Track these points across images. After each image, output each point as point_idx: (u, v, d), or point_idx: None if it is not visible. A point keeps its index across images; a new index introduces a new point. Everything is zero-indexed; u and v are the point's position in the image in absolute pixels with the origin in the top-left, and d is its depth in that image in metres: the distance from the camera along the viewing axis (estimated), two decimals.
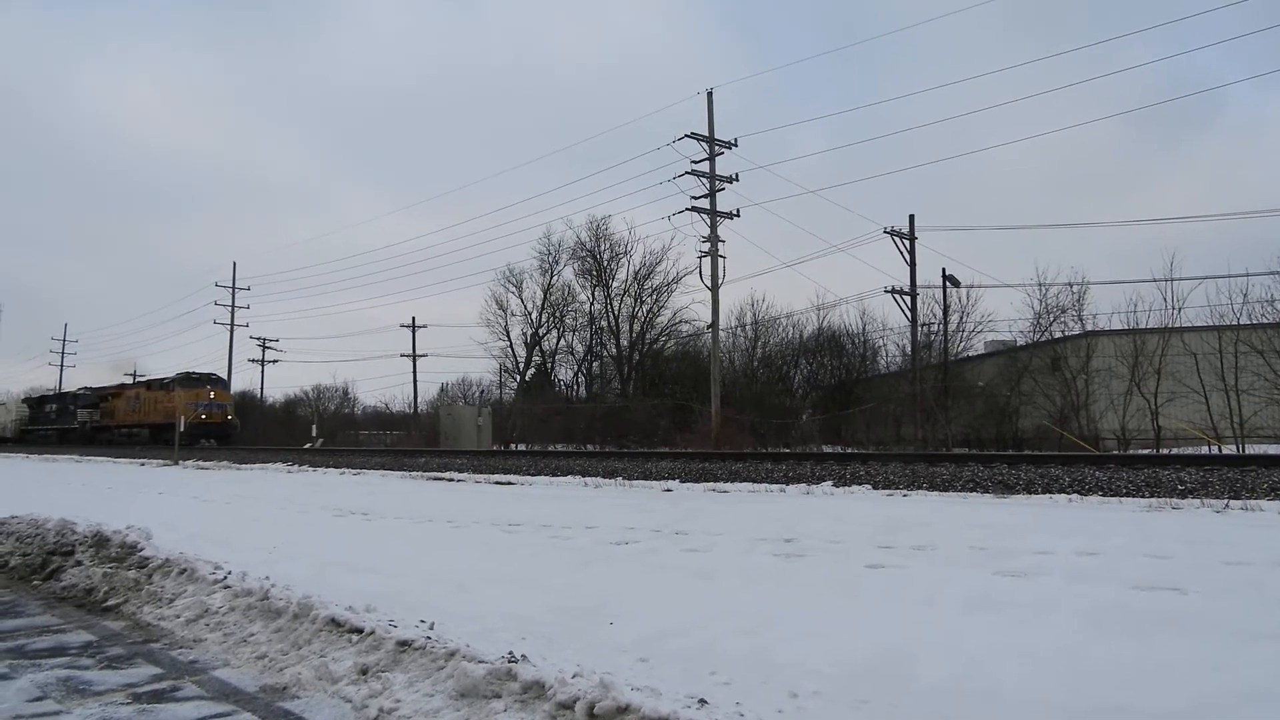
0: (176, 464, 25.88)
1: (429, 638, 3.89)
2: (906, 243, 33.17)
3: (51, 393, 65.74)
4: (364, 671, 3.71)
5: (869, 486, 11.25)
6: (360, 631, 4.10)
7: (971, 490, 10.65)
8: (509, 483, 14.61)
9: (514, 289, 52.63)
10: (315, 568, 6.04)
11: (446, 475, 16.74)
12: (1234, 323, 27.00)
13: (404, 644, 3.85)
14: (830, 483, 11.68)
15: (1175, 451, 21.63)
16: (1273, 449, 21.92)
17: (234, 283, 57.50)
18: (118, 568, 6.25)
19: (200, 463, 25.52)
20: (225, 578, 5.43)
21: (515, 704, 3.19)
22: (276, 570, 5.65)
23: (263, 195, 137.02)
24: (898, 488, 11.09)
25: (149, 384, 46.60)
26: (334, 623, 4.28)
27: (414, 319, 54.44)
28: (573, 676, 3.24)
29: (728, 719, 2.89)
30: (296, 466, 21.43)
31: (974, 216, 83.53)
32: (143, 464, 26.91)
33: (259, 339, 59.18)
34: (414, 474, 17.72)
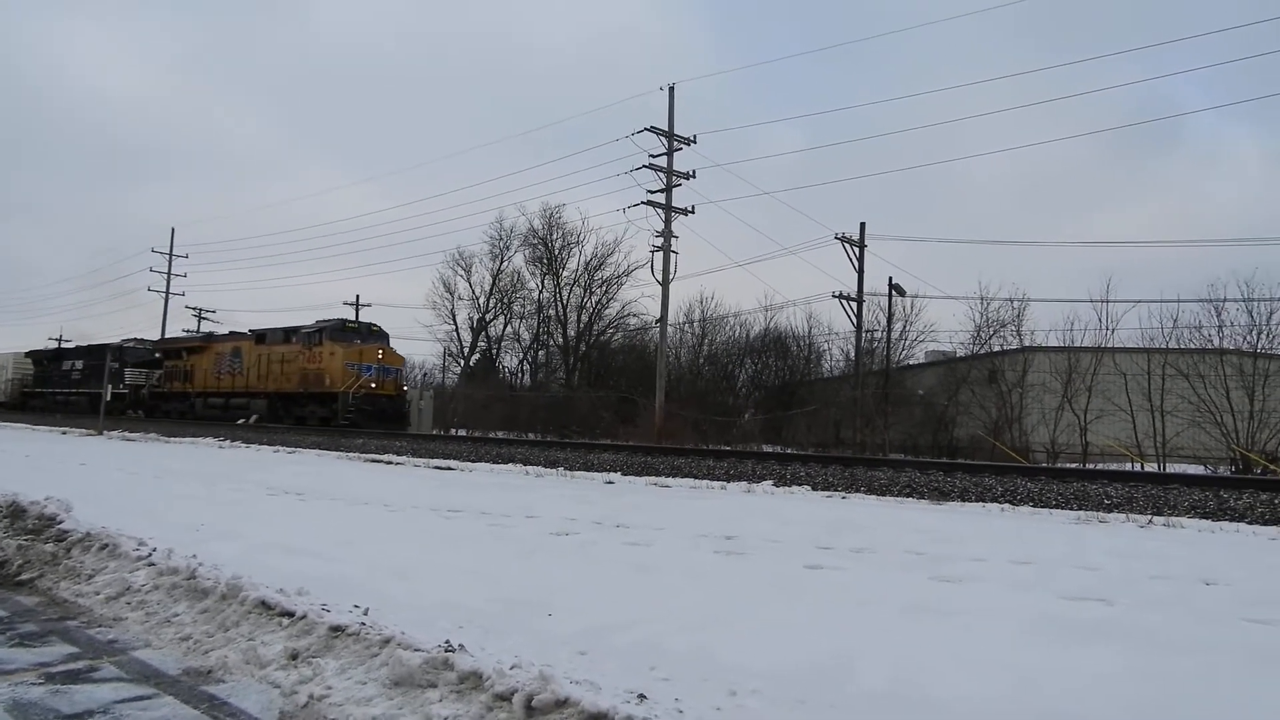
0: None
1: (363, 624, 3.78)
2: (857, 249, 33.60)
3: (74, 344, 47.85)
4: (294, 656, 3.60)
5: (809, 487, 11.37)
6: (292, 615, 3.98)
7: (908, 495, 10.82)
8: (449, 468, 14.43)
9: (463, 272, 52.04)
10: (245, 548, 5.85)
11: (385, 458, 16.46)
12: (1163, 346, 27.98)
13: (337, 629, 3.74)
14: (771, 482, 11.77)
15: (1102, 467, 22.32)
16: (1193, 469, 22.77)
17: (171, 250, 55.58)
18: (34, 540, 5.98)
19: (126, 434, 24.68)
20: (150, 555, 5.22)
21: (451, 694, 3.11)
22: (205, 549, 5.46)
23: (218, 160, 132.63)
24: (837, 490, 11.23)
25: (266, 334, 31.20)
26: (264, 605, 4.14)
27: (358, 297, 53.34)
28: (511, 668, 3.18)
29: (667, 715, 2.86)
30: (229, 442, 20.85)
31: (948, 226, 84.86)
32: (64, 433, 25.93)
33: (195, 309, 57.19)
34: (351, 455, 17.39)
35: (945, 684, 3.29)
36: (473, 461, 15.61)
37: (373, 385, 26.60)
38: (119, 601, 4.69)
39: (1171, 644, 3.85)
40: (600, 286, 49.55)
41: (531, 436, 34.53)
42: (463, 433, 35.79)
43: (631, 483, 12.03)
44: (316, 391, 26.60)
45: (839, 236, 33.37)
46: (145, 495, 9.43)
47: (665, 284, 30.77)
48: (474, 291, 52.21)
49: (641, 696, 3.06)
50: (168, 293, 55.26)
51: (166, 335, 36.69)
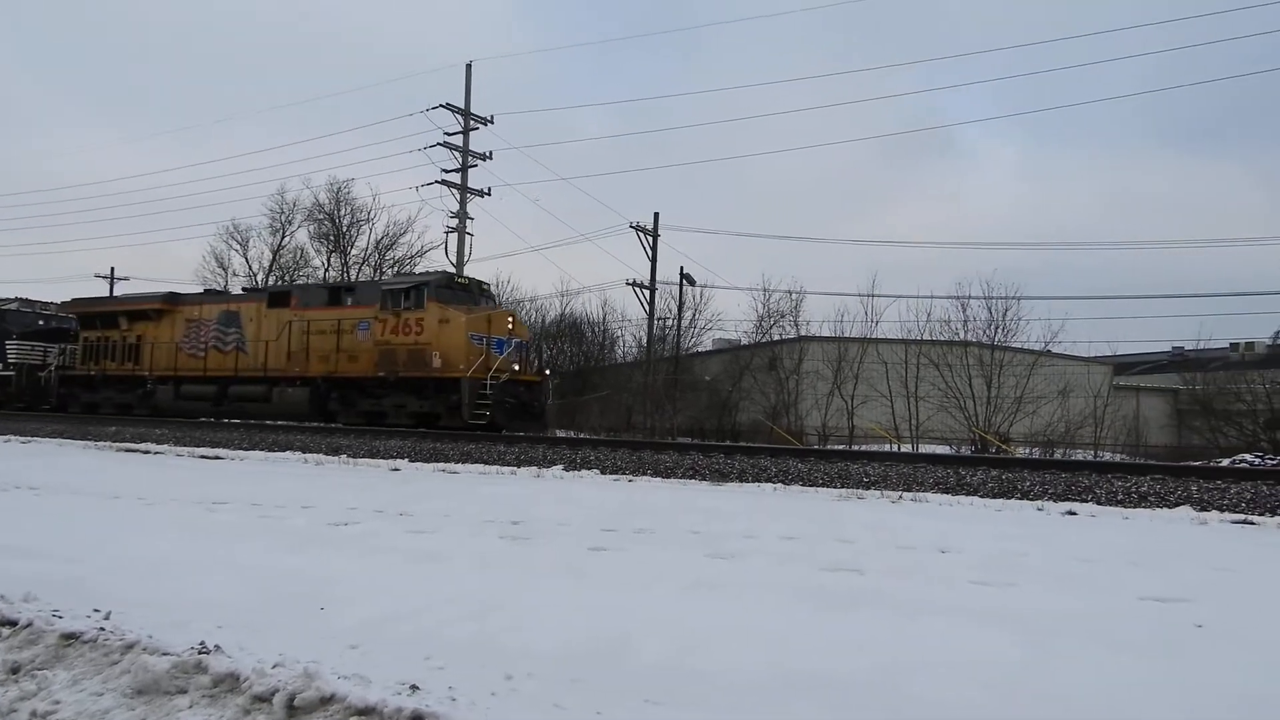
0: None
1: (102, 629, 3.43)
2: (651, 239, 34.47)
3: None
4: (15, 670, 3.21)
5: (598, 471, 11.57)
6: (14, 624, 3.54)
7: (692, 477, 11.28)
8: (217, 457, 13.40)
9: (238, 246, 48.27)
10: None
11: (142, 446, 15.03)
12: (918, 338, 31.00)
13: (70, 637, 3.37)
14: (561, 466, 11.87)
15: (864, 448, 24.36)
16: (940, 448, 25.36)
17: None
18: None
19: None
20: None
21: (203, 699, 2.89)
22: None
23: None
24: (624, 473, 11.50)
25: (291, 293, 20.79)
26: None
27: (113, 270, 48.15)
28: (273, 667, 3.00)
29: (438, 703, 2.81)
30: None
31: (741, 218, 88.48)
32: None
33: None
34: (101, 444, 15.72)
35: (716, 655, 3.46)
36: (245, 450, 14.59)
37: (515, 368, 17.79)
38: None
39: (911, 607, 4.27)
40: (392, 266, 47.65)
41: (312, 422, 32.67)
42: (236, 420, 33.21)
43: (419, 469, 11.72)
44: (413, 377, 17.63)
45: (634, 226, 34.10)
46: None
47: (460, 266, 30.14)
48: (251, 267, 48.57)
49: (414, 687, 2.99)
50: None
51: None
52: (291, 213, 47.70)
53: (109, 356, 23.41)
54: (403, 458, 13.15)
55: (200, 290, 25.34)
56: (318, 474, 10.96)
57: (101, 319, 24.00)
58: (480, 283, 20.27)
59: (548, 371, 20.95)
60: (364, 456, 13.49)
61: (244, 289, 23.81)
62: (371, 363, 18.35)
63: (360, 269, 47.56)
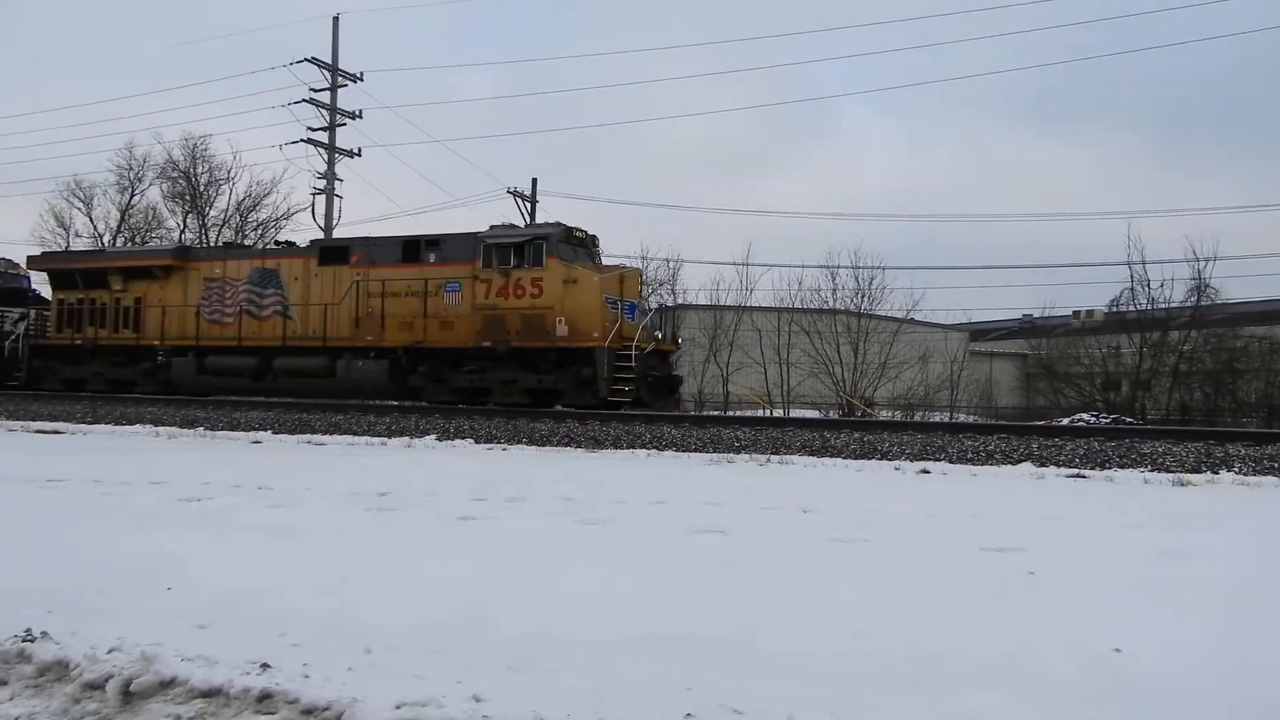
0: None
1: None
2: (529, 204, 34.01)
3: None
4: None
5: (472, 440, 11.44)
6: None
7: (567, 445, 11.30)
8: (55, 431, 12.48)
9: (81, 205, 44.71)
10: None
11: None
12: (790, 306, 31.96)
13: None
14: (434, 436, 11.67)
15: (736, 414, 24.98)
16: (810, 413, 26.32)
17: None
18: None
19: None
20: None
21: (27, 690, 2.70)
22: None
23: None
24: (499, 442, 11.41)
25: (352, 247, 17.79)
26: None
27: None
28: (108, 652, 2.83)
29: (290, 681, 2.72)
30: None
31: (625, 185, 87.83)
32: None
33: None
34: None
35: (579, 620, 3.48)
36: (88, 423, 13.65)
37: (658, 335, 15.76)
38: None
39: (772, 564, 4.42)
40: (256, 229, 45.22)
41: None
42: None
43: (283, 441, 11.28)
44: (530, 346, 15.18)
45: (511, 191, 33.54)
46: None
47: (328, 230, 28.92)
48: (97, 228, 45.13)
49: (265, 666, 2.88)
50: None
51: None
52: (142, 169, 44.51)
53: (96, 322, 19.65)
54: (265, 429, 12.61)
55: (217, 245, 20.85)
56: (170, 448, 10.38)
57: (85, 277, 20.12)
58: (593, 236, 16.89)
59: (679, 340, 18.00)
60: (223, 429, 12.87)
61: (277, 242, 19.72)
62: (471, 330, 15.59)
63: (220, 231, 44.96)
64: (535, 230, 16.37)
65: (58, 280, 20.92)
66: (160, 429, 12.80)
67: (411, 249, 16.74)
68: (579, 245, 16.18)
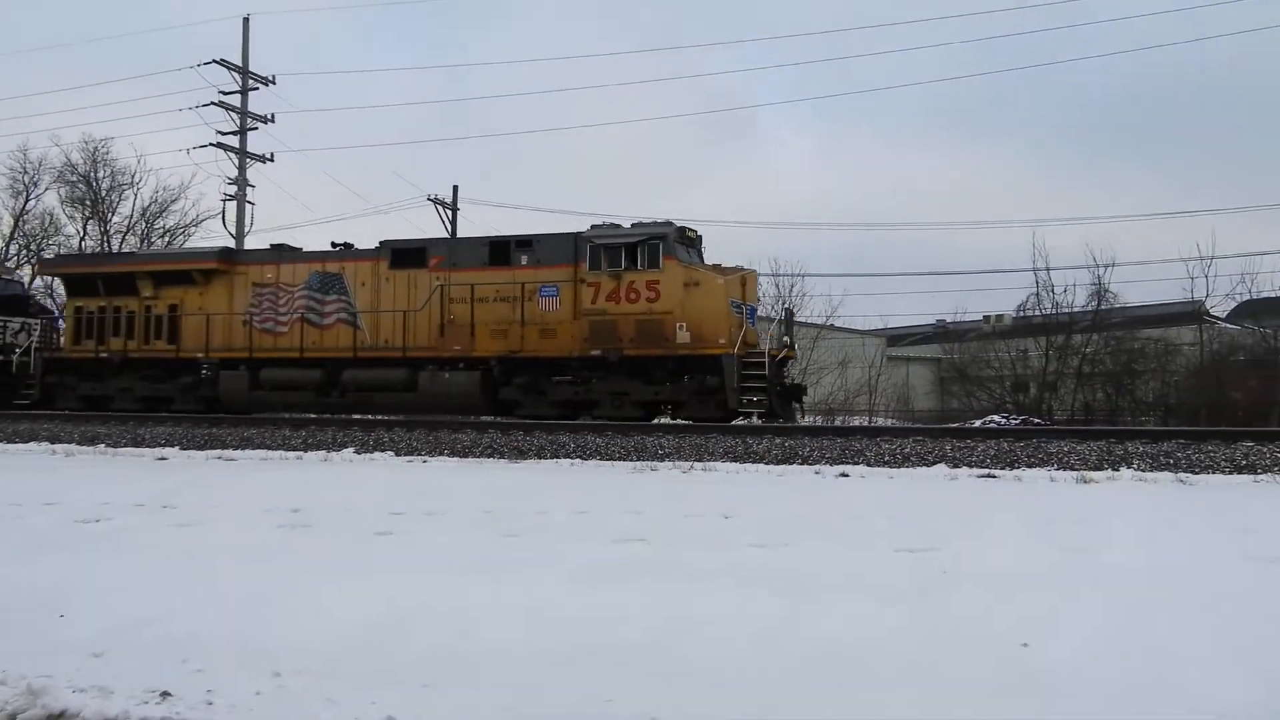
0: None
1: None
2: (450, 212, 33.59)
3: None
4: None
5: (392, 453, 11.17)
6: None
7: (490, 456, 11.14)
8: None
9: None
10: None
11: None
12: None
13: None
14: (352, 449, 11.36)
15: (664, 422, 25.07)
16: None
17: None
18: None
19: None
20: None
21: None
22: None
23: None
24: (420, 454, 11.18)
25: (428, 249, 15.73)
26: None
27: None
28: None
29: (192, 709, 2.61)
30: None
31: (557, 194, 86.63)
32: None
33: None
34: None
35: (494, 634, 3.44)
36: None
37: (787, 340, 14.64)
38: None
39: (693, 572, 4.43)
40: (162, 237, 43.41)
41: (67, 410, 29.34)
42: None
43: (190, 458, 10.83)
44: (647, 355, 14.08)
45: (432, 198, 33.08)
46: None
47: (240, 238, 27.97)
48: None
49: (165, 694, 2.76)
50: None
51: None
52: (38, 173, 42.31)
53: (123, 333, 17.31)
54: (173, 445, 12.08)
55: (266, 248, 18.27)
56: (66, 466, 9.87)
57: (108, 282, 17.72)
58: (700, 235, 15.65)
59: (794, 345, 16.38)
60: (126, 445, 12.29)
61: (333, 244, 18.02)
62: (576, 338, 14.22)
63: (124, 238, 43.07)
64: (649, 229, 14.86)
65: (75, 286, 18.46)
66: (57, 446, 12.16)
67: (500, 250, 15.19)
68: (690, 245, 15.04)
